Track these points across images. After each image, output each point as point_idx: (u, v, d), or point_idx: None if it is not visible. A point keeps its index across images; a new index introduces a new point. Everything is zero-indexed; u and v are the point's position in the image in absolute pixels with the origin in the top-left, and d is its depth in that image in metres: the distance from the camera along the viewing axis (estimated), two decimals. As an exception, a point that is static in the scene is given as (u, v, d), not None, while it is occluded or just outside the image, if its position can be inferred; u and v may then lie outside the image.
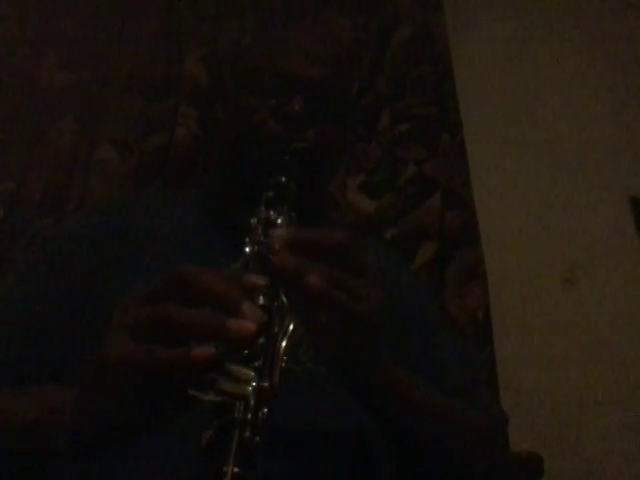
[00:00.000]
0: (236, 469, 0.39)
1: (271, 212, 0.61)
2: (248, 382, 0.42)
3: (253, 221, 0.60)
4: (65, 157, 1.54)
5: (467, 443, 0.71)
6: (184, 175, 1.49)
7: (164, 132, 1.54)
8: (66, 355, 0.70)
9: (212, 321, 0.42)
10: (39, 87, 1.63)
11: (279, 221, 0.60)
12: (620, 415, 1.29)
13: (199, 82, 1.60)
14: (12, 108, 1.60)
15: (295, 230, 0.53)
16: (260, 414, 0.42)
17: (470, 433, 0.72)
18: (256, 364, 0.44)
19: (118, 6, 1.71)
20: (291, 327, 0.48)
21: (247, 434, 0.41)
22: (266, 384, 0.43)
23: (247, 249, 0.56)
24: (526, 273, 1.43)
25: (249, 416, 0.41)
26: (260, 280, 0.46)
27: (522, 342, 1.36)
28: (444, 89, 1.56)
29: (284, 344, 0.47)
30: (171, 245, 0.79)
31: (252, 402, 0.41)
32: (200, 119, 1.55)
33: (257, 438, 0.41)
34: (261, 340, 0.45)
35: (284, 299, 0.49)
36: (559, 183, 1.53)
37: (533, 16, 1.73)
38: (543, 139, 1.58)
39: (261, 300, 0.48)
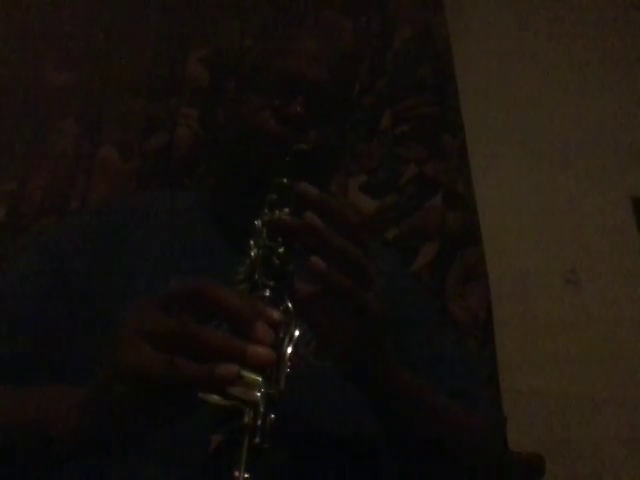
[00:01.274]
0: (246, 475, 0.40)
1: (275, 214, 0.61)
2: (256, 388, 0.43)
3: (257, 223, 0.60)
4: (66, 157, 1.54)
5: (465, 443, 0.71)
6: (185, 175, 1.49)
7: (165, 132, 1.55)
8: (66, 354, 0.70)
9: (233, 345, 0.43)
10: (40, 87, 1.63)
11: None
12: (620, 415, 1.29)
13: (200, 82, 1.60)
14: (13, 108, 1.60)
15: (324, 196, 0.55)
16: (268, 420, 0.43)
17: (468, 433, 0.72)
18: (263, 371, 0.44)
19: (119, 6, 1.70)
20: (296, 333, 0.49)
21: (257, 440, 0.41)
22: (274, 391, 0.43)
23: (252, 252, 0.56)
24: (527, 273, 1.43)
25: (259, 422, 0.42)
26: (277, 315, 0.47)
27: (523, 342, 1.36)
28: (445, 89, 1.56)
29: (290, 350, 0.47)
30: (172, 246, 0.79)
31: (261, 408, 0.42)
32: (201, 119, 1.55)
33: (265, 444, 0.42)
34: None
35: (289, 304, 0.50)
36: (560, 183, 1.53)
37: (534, 16, 1.73)
38: (544, 139, 1.58)
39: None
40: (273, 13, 1.66)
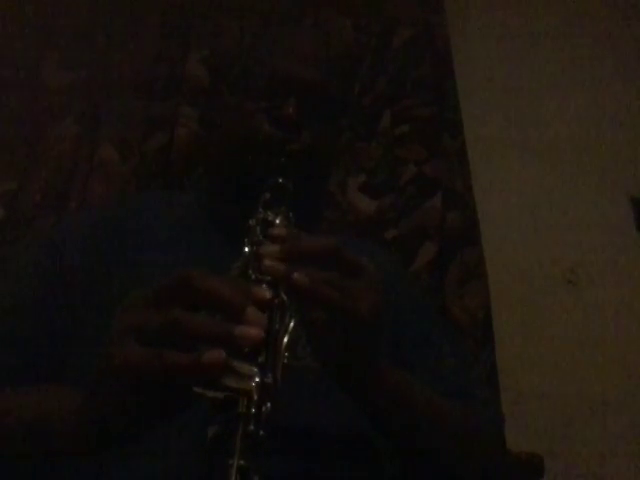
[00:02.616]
0: (242, 462, 0.40)
1: (269, 213, 0.62)
2: (251, 378, 0.43)
3: (251, 222, 0.61)
4: (66, 157, 1.54)
5: (463, 444, 0.71)
6: (185, 175, 1.49)
7: (165, 132, 1.54)
8: (65, 354, 0.70)
9: (220, 328, 0.43)
10: (39, 87, 1.63)
11: (277, 221, 0.61)
12: (620, 415, 1.29)
13: (200, 82, 1.60)
14: (12, 108, 1.60)
15: (287, 242, 0.54)
16: (264, 408, 0.42)
17: (466, 434, 0.72)
18: (259, 360, 0.44)
19: (119, 6, 1.71)
20: (292, 324, 0.49)
21: (251, 427, 0.41)
22: (269, 379, 0.43)
23: (246, 250, 0.56)
24: (527, 273, 1.44)
25: (253, 410, 0.42)
26: (267, 293, 0.47)
27: (523, 342, 1.36)
28: (445, 89, 1.56)
29: (285, 340, 0.47)
30: (170, 245, 0.79)
31: (255, 397, 0.42)
32: (201, 119, 1.55)
33: (261, 432, 0.42)
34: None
35: (284, 296, 0.50)
36: (560, 183, 1.53)
37: (534, 16, 1.73)
38: (544, 139, 1.58)
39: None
40: (272, 13, 1.66)
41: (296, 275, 0.50)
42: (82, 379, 0.49)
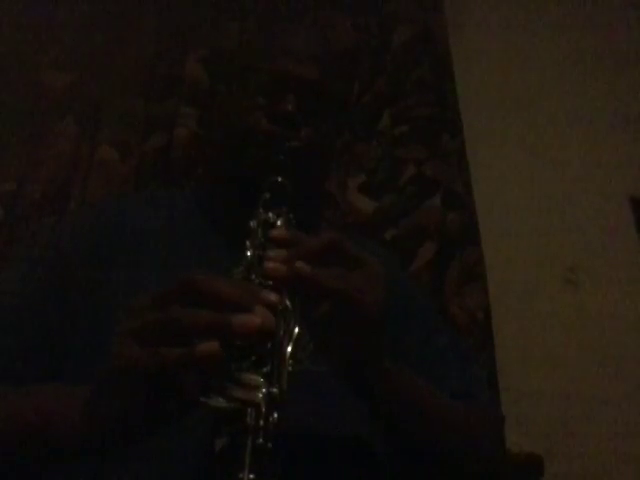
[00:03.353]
0: (252, 476, 0.39)
1: (270, 214, 0.61)
2: (258, 388, 0.42)
3: (252, 224, 0.60)
4: (65, 157, 1.54)
5: (464, 443, 0.71)
6: (184, 175, 1.49)
7: (164, 132, 1.54)
8: (64, 353, 0.70)
9: (217, 318, 0.43)
10: (39, 87, 1.63)
11: (278, 222, 0.60)
12: (620, 415, 1.29)
13: (199, 82, 1.60)
14: (12, 108, 1.60)
15: (290, 245, 0.54)
16: (271, 419, 0.42)
17: (467, 433, 0.72)
18: (264, 370, 0.44)
19: (118, 6, 1.70)
20: (296, 331, 0.48)
21: (260, 440, 0.41)
22: (275, 390, 0.43)
23: (248, 253, 0.56)
24: (526, 273, 1.44)
25: (261, 422, 0.41)
26: (274, 297, 0.47)
27: (522, 342, 1.36)
28: (444, 89, 1.56)
29: (290, 349, 0.47)
30: (170, 244, 0.79)
31: (263, 408, 0.42)
32: (200, 120, 1.55)
33: (269, 444, 0.41)
34: (267, 345, 0.45)
35: (288, 303, 0.50)
36: (559, 183, 1.53)
37: (533, 16, 1.73)
38: (543, 139, 1.58)
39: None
40: (272, 13, 1.66)
41: (299, 264, 0.50)
42: (82, 377, 0.49)
